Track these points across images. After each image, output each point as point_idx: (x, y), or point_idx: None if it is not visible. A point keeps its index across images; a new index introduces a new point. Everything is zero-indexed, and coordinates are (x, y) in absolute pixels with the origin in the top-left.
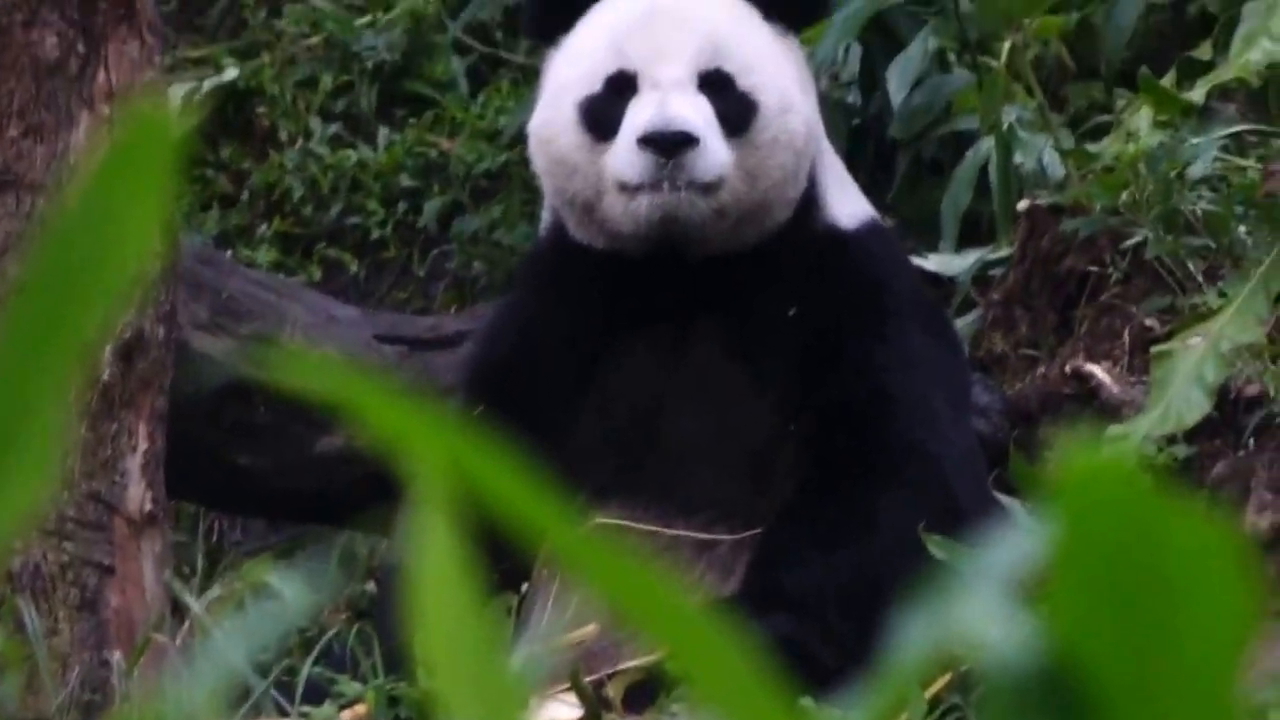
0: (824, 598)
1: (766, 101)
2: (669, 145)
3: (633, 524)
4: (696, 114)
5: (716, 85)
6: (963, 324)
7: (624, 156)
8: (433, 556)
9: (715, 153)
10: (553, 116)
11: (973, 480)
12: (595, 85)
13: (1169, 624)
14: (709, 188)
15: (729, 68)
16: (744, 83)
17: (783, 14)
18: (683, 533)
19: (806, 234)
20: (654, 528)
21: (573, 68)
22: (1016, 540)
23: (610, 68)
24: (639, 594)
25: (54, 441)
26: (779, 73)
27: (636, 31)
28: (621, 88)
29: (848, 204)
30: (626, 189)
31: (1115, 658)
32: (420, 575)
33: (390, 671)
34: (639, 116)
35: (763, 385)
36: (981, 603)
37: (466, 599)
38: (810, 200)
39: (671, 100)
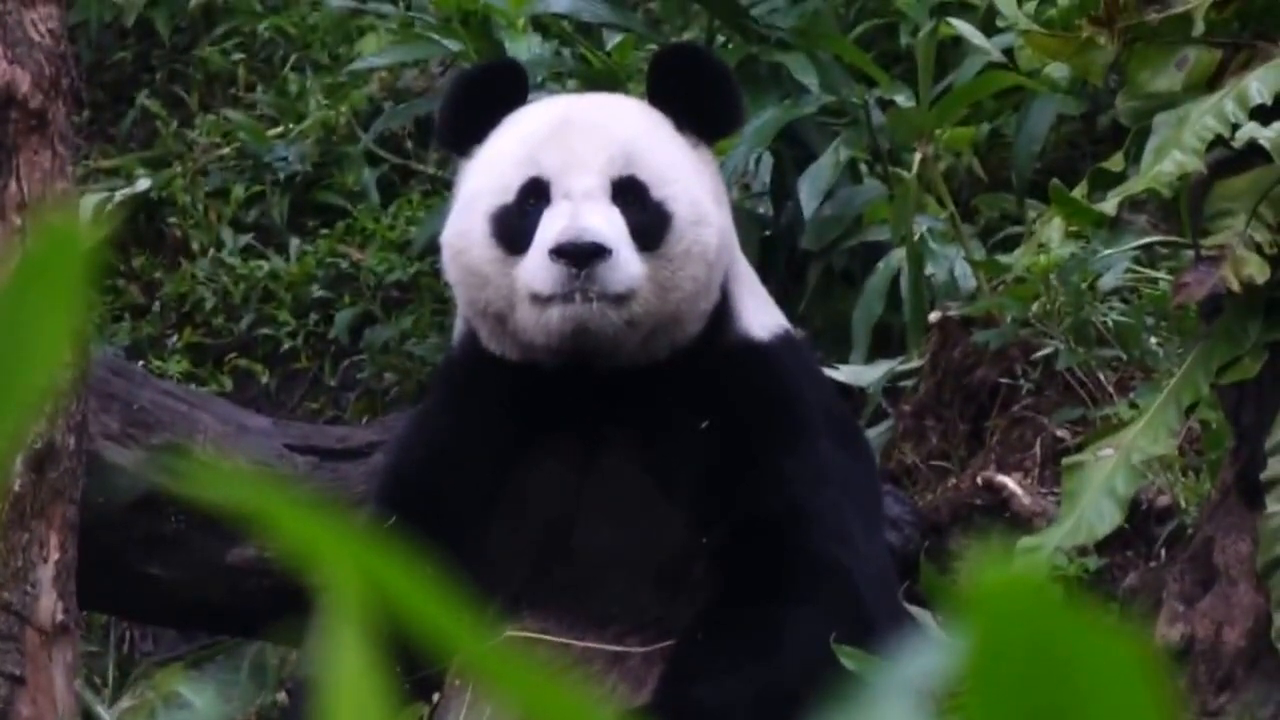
0: (736, 711)
1: (679, 212)
2: (581, 256)
3: (544, 636)
4: (609, 225)
5: (629, 195)
6: (874, 435)
7: (536, 268)
8: (344, 667)
9: (627, 263)
10: (465, 227)
11: (885, 594)
12: (508, 195)
13: None
14: (620, 299)
15: (643, 177)
16: (657, 193)
17: (697, 126)
18: (594, 645)
19: (718, 345)
20: (566, 639)
21: (485, 178)
22: (927, 652)
23: (523, 177)
24: (549, 706)
25: None
26: (692, 184)
27: (549, 141)
28: (534, 197)
29: (760, 315)
30: (538, 300)
31: None
32: (332, 685)
33: None
34: (551, 227)
35: (675, 497)
36: (891, 714)
37: (378, 709)
38: (722, 312)
39: (583, 211)
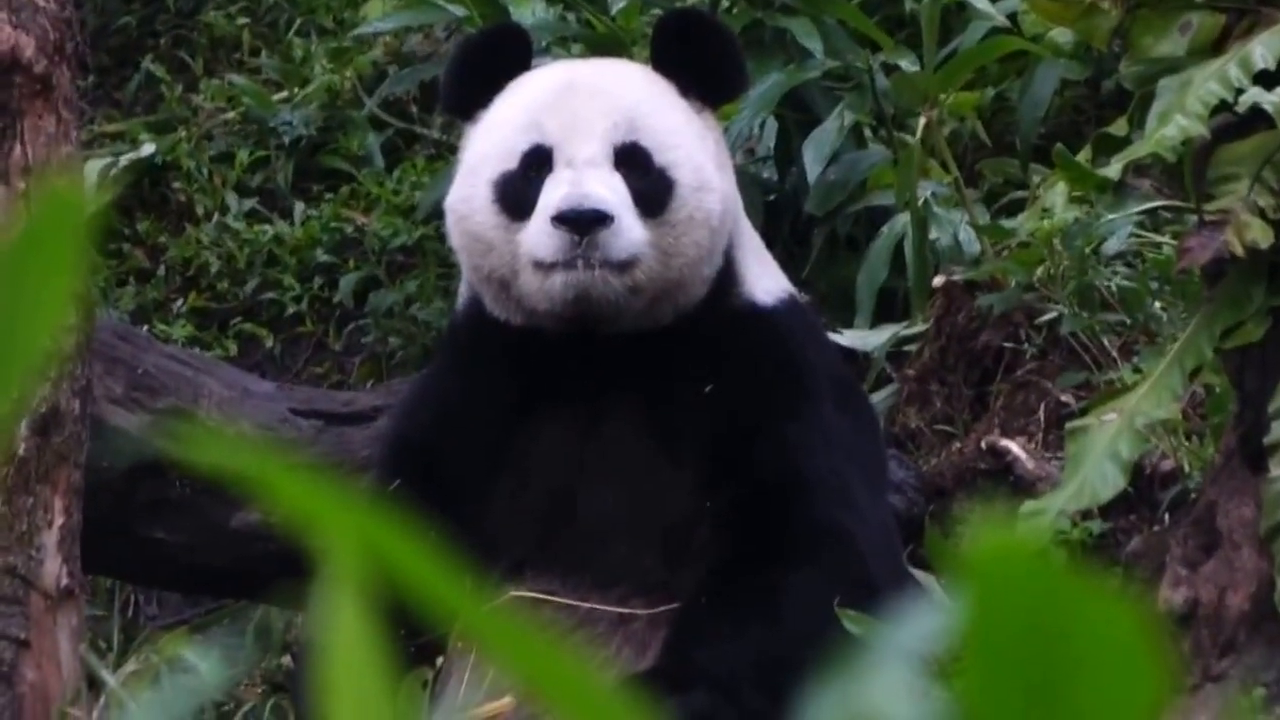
0: (740, 675)
1: (682, 179)
2: (583, 223)
3: (548, 598)
4: (611, 192)
5: (632, 161)
6: (878, 399)
7: (538, 235)
8: (343, 632)
9: (629, 230)
10: (469, 193)
11: (889, 558)
12: (511, 162)
13: (1075, 699)
14: (623, 266)
15: (646, 143)
16: (660, 159)
17: (701, 91)
18: (598, 607)
19: (723, 311)
20: (569, 602)
21: (489, 144)
22: (927, 616)
23: (526, 144)
24: (549, 671)
25: None
26: (696, 150)
27: (553, 107)
28: (537, 164)
29: (765, 280)
30: (541, 267)
31: None
32: (330, 650)
33: None
34: (553, 194)
35: (679, 461)
36: (891, 678)
37: (376, 674)
38: (727, 277)
39: (586, 178)
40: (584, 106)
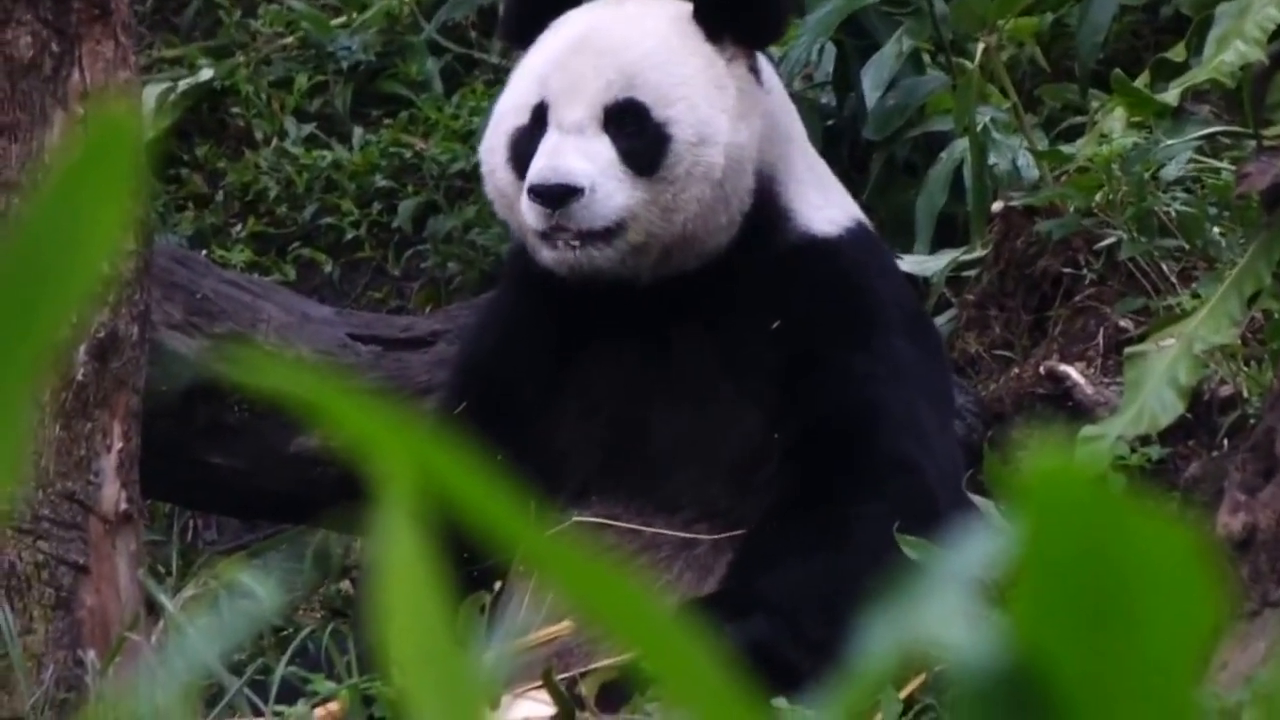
0: (801, 603)
1: (679, 135)
2: (551, 198)
3: (612, 522)
4: (587, 160)
5: (625, 119)
6: (937, 325)
7: (525, 204)
8: (399, 557)
9: (608, 198)
10: (493, 144)
11: (957, 491)
12: (524, 116)
13: (1130, 624)
14: (607, 233)
15: (643, 98)
16: (659, 114)
17: (735, 35)
18: (662, 531)
19: (777, 245)
20: (633, 526)
21: (512, 93)
22: (984, 542)
23: (535, 98)
24: (607, 597)
25: (22, 440)
26: (703, 102)
27: (558, 62)
28: (541, 121)
29: (828, 209)
30: (535, 235)
31: (1078, 658)
32: (387, 575)
33: (366, 670)
34: (534, 164)
35: (747, 391)
36: (947, 604)
37: (433, 599)
38: (771, 213)
39: (560, 148)
40: (584, 64)
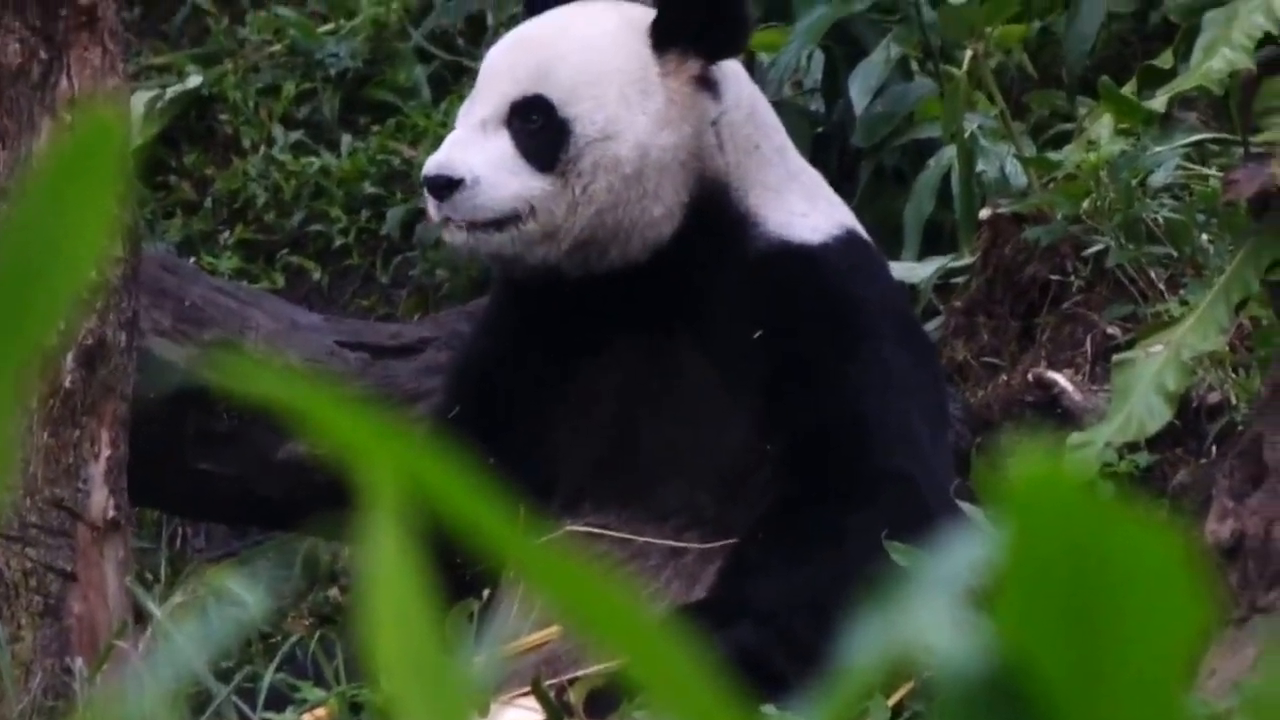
0: (790, 611)
1: (580, 130)
2: (435, 189)
3: (602, 530)
4: (477, 154)
5: (528, 114)
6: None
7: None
8: (387, 564)
9: (494, 189)
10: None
11: (948, 499)
12: (470, 113)
13: (1116, 630)
14: (500, 223)
15: (550, 94)
16: (564, 111)
17: (692, 47)
18: (651, 541)
19: (747, 251)
20: (623, 534)
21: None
22: (970, 547)
23: (473, 96)
24: (595, 604)
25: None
26: (614, 102)
27: (489, 59)
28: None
29: (813, 217)
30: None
31: (1064, 663)
32: (375, 582)
33: (354, 677)
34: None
35: (738, 399)
36: (933, 609)
37: (421, 606)
38: (733, 217)
39: (454, 141)
40: (502, 62)
